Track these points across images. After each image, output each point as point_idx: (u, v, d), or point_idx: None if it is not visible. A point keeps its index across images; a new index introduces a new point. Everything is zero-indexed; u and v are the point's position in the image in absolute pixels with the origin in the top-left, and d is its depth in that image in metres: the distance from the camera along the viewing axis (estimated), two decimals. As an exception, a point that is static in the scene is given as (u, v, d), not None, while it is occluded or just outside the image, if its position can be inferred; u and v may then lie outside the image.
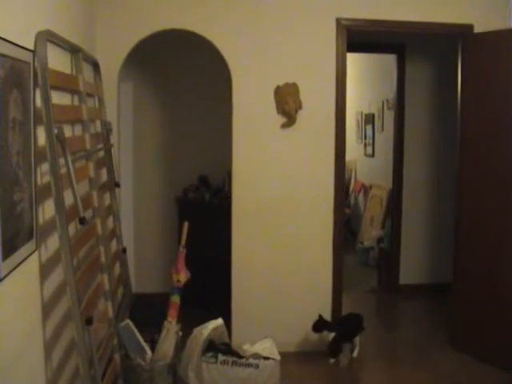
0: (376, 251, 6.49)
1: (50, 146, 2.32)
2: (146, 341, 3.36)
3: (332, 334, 4.09)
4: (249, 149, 4.19)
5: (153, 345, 3.39)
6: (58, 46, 2.79)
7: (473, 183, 4.21)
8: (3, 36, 1.94)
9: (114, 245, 3.79)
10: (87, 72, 3.43)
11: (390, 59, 5.93)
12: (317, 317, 4.11)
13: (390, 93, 6.11)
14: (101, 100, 3.74)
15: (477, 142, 4.18)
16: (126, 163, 5.01)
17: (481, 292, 4.14)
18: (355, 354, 4.19)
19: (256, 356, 3.53)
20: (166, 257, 5.19)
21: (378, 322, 5.22)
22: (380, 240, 6.40)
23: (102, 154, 3.63)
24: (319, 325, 4.11)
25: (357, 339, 4.21)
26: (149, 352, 3.33)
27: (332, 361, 4.16)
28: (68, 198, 2.44)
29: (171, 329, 3.43)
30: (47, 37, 2.41)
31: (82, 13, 3.52)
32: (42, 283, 2.45)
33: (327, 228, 4.28)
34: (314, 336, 4.19)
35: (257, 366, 3.49)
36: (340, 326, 4.17)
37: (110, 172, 3.75)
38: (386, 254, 6.05)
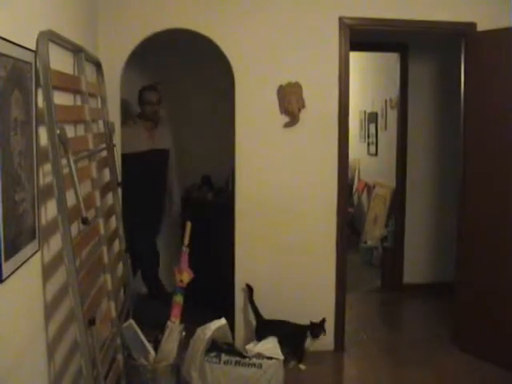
0: (380, 250, 6.46)
1: (52, 146, 2.31)
2: (149, 341, 3.36)
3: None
4: (252, 148, 4.18)
5: (156, 345, 3.39)
6: (60, 45, 2.78)
7: (476, 182, 4.19)
8: (5, 36, 1.93)
9: (116, 245, 3.79)
10: (89, 72, 3.43)
11: (392, 58, 5.91)
12: (319, 317, 4.09)
13: (393, 92, 6.10)
14: (103, 100, 3.73)
15: (480, 140, 4.16)
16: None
17: (484, 291, 4.13)
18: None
19: (259, 356, 3.52)
20: (169, 257, 5.19)
21: (381, 321, 5.22)
22: (383, 239, 6.37)
23: (104, 154, 3.63)
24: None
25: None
26: (152, 352, 3.33)
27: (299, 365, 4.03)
28: (70, 199, 2.44)
29: (174, 329, 3.42)
30: (49, 37, 2.40)
31: (84, 12, 3.52)
32: (44, 283, 2.45)
33: (331, 227, 4.27)
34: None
35: (260, 366, 3.48)
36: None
37: (113, 172, 3.74)
38: (389, 253, 6.03)
